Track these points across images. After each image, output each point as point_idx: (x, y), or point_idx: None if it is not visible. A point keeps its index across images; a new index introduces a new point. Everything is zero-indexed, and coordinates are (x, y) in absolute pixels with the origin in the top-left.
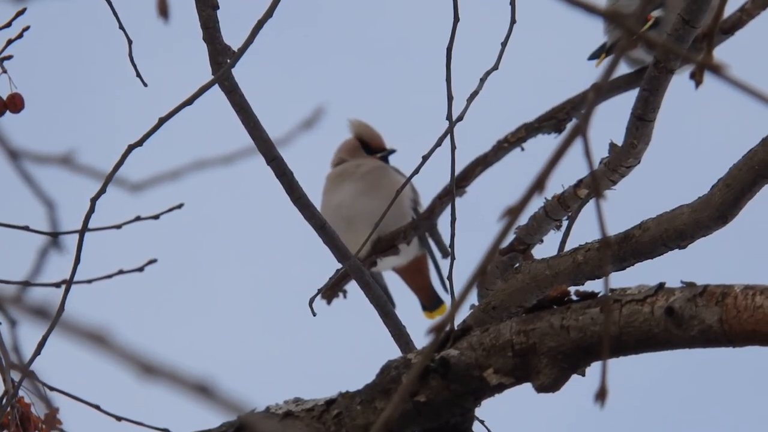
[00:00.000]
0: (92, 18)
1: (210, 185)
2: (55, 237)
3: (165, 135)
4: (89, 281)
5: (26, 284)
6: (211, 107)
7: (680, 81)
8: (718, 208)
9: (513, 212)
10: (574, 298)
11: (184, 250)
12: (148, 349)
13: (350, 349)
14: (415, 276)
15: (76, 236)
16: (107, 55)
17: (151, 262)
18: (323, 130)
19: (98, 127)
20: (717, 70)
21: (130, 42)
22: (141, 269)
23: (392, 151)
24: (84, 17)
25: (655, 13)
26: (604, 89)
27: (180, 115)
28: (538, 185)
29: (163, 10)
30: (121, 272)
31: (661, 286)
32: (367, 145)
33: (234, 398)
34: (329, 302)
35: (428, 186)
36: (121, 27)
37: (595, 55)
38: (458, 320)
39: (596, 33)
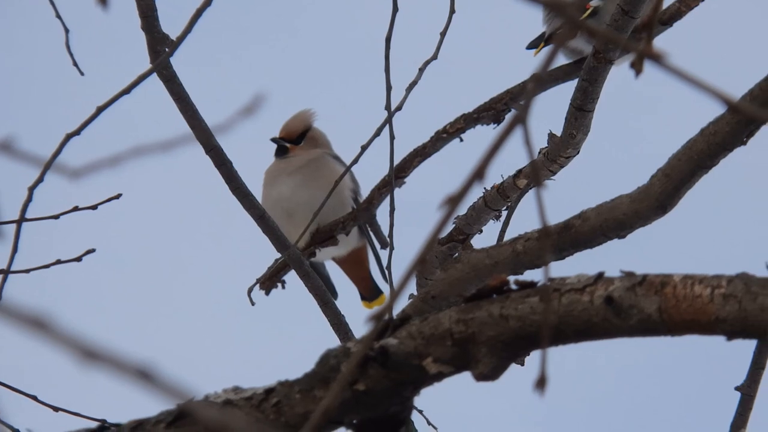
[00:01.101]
0: (29, 6)
1: (148, 175)
2: None
3: (103, 124)
4: (27, 271)
5: None
6: (149, 96)
7: (619, 71)
8: (658, 198)
9: (453, 201)
10: (513, 287)
11: (122, 239)
12: (88, 336)
13: (289, 339)
14: (355, 266)
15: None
16: (45, 44)
17: (89, 251)
18: (264, 118)
19: (36, 116)
20: (657, 59)
21: (66, 31)
22: (79, 259)
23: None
24: (21, 6)
25: (594, 3)
26: (543, 79)
27: (118, 104)
28: (478, 174)
29: None
30: (58, 262)
31: (600, 275)
32: (292, 138)
33: (175, 384)
34: (267, 292)
35: (367, 176)
36: (58, 16)
37: (534, 45)
38: (397, 310)
39: (535, 23)
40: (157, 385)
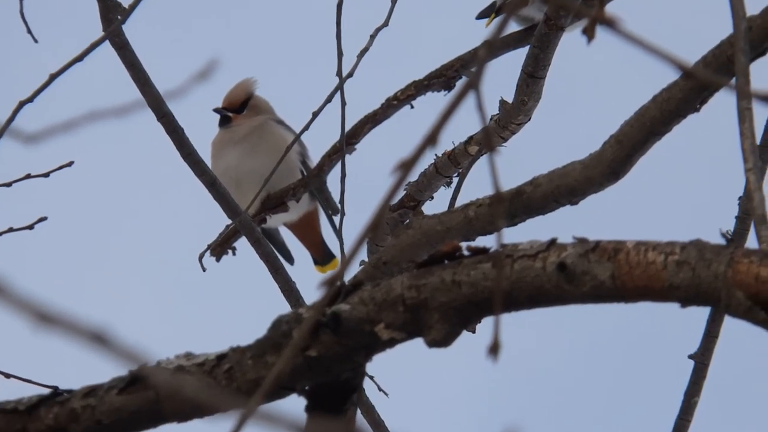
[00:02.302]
0: None
1: (100, 142)
2: None
3: (56, 91)
4: None
5: None
6: (102, 64)
7: (570, 38)
8: (610, 164)
9: (405, 167)
10: (465, 253)
11: (75, 206)
12: (43, 300)
13: (240, 305)
14: (307, 231)
15: None
16: None
17: (41, 219)
18: (216, 84)
19: None
20: (611, 24)
21: None
22: (31, 227)
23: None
24: None
25: None
26: (495, 46)
27: (71, 72)
28: (431, 140)
29: None
30: (11, 230)
31: (553, 241)
32: (235, 107)
33: (129, 349)
34: (218, 259)
35: (317, 143)
36: None
37: (485, 15)
38: (349, 276)
39: None
40: (112, 349)
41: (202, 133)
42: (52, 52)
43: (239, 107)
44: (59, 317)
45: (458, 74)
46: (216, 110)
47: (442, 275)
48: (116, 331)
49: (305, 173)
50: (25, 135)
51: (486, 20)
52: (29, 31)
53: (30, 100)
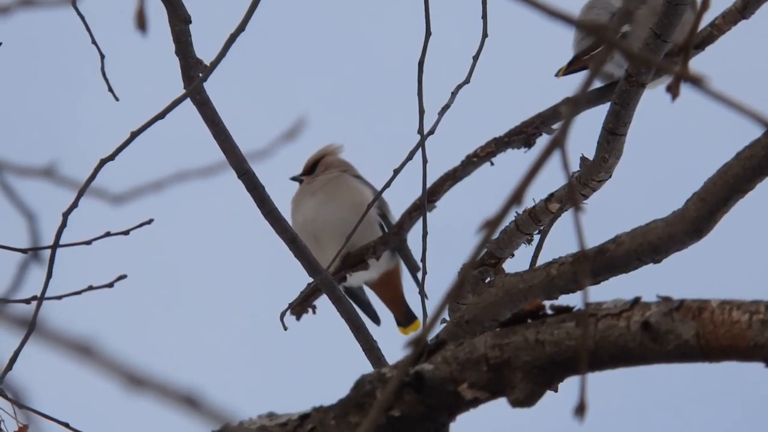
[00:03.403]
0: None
1: (180, 198)
2: (25, 252)
3: (138, 148)
4: (59, 297)
5: None
6: (183, 121)
7: (651, 95)
8: (693, 222)
9: (490, 225)
10: (549, 312)
11: (155, 265)
12: (132, 362)
13: (322, 364)
14: (388, 289)
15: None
16: (81, 69)
17: (121, 277)
18: (300, 142)
19: (73, 141)
20: (697, 82)
21: (102, 56)
22: (111, 285)
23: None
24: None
25: (624, 27)
26: (581, 102)
27: (152, 129)
28: (516, 198)
29: (141, 23)
30: (90, 288)
31: (637, 300)
32: (307, 171)
33: (220, 410)
34: (298, 318)
35: (396, 200)
36: (94, 42)
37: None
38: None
39: (566, 48)
40: (202, 411)
41: (284, 190)
42: (133, 109)
43: (310, 169)
44: (149, 379)
45: (538, 131)
46: (293, 179)
47: (526, 334)
48: (206, 393)
49: (385, 229)
50: (111, 195)
51: (560, 71)
52: (110, 89)
53: (111, 158)
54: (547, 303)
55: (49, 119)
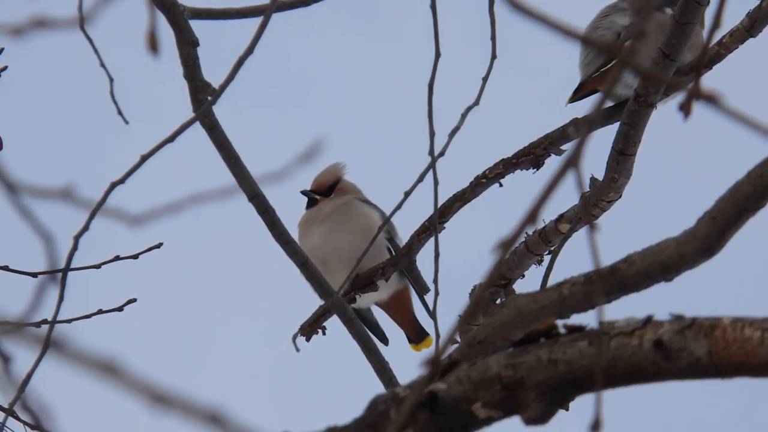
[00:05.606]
0: (74, 56)
1: (189, 222)
2: (35, 276)
3: (148, 172)
4: (69, 321)
5: (6, 324)
6: (193, 144)
7: (660, 115)
8: (704, 241)
9: (505, 245)
10: (561, 331)
11: (165, 288)
12: (157, 382)
13: (334, 385)
14: (398, 310)
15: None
16: (89, 93)
17: (131, 301)
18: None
19: (82, 164)
20: (712, 99)
21: (111, 80)
22: (120, 309)
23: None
24: (66, 55)
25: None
26: (597, 120)
27: (162, 152)
28: (531, 218)
29: (153, 45)
30: (100, 312)
31: (649, 318)
32: (322, 191)
33: (245, 428)
34: (308, 339)
35: (405, 222)
36: (102, 65)
37: (572, 100)
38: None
39: (574, 69)
40: (227, 429)
41: (294, 213)
42: (142, 133)
43: (327, 191)
44: (175, 398)
45: (547, 152)
46: (304, 192)
47: (539, 354)
48: (231, 411)
49: (393, 252)
50: (129, 217)
51: (568, 98)
52: (120, 113)
53: (121, 181)
54: (560, 322)
55: (63, 141)
